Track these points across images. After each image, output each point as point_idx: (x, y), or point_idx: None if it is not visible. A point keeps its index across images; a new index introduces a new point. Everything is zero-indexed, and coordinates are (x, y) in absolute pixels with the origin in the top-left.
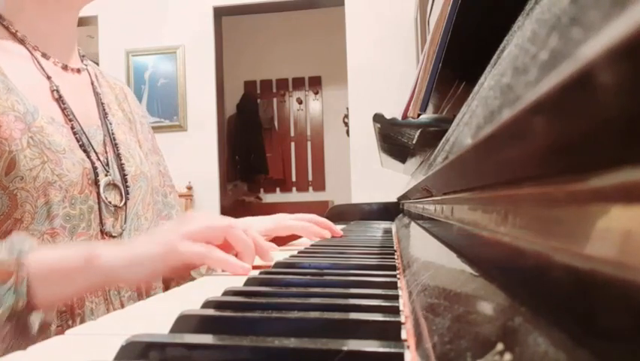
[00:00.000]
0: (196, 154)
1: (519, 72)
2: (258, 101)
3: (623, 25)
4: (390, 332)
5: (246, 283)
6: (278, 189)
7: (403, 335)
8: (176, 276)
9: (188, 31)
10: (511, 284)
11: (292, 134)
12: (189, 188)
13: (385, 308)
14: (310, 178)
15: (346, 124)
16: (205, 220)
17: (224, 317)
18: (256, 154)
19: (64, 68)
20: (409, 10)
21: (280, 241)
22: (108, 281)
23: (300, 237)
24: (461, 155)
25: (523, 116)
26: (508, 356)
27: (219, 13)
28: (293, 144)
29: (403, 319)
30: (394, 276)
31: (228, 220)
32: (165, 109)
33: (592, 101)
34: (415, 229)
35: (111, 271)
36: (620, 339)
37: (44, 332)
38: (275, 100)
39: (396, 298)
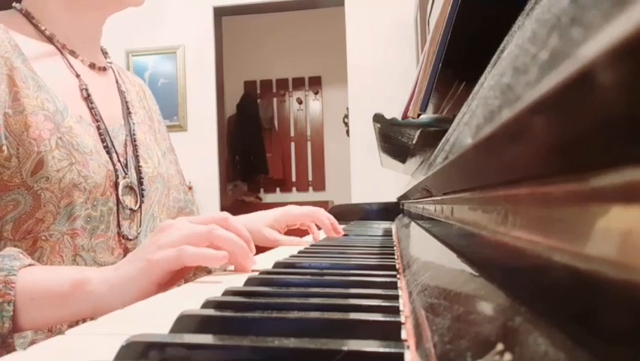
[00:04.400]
0: (196, 154)
1: (519, 72)
2: (258, 101)
3: (623, 25)
4: (390, 332)
5: (246, 283)
6: (278, 189)
7: (403, 335)
8: (170, 286)
9: (188, 31)
10: (511, 284)
11: (292, 134)
12: (189, 188)
13: (385, 308)
14: (310, 178)
15: (346, 124)
16: (183, 229)
17: (224, 317)
18: (256, 154)
19: (92, 66)
20: (409, 10)
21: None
22: (96, 309)
23: (305, 233)
24: (461, 155)
25: (523, 116)
26: (508, 356)
27: (219, 13)
28: (293, 144)
29: (403, 319)
30: (394, 276)
31: (209, 225)
32: (165, 109)
33: (592, 101)
34: (415, 229)
35: (98, 299)
36: (620, 339)
37: None
38: (275, 100)
39: (396, 298)
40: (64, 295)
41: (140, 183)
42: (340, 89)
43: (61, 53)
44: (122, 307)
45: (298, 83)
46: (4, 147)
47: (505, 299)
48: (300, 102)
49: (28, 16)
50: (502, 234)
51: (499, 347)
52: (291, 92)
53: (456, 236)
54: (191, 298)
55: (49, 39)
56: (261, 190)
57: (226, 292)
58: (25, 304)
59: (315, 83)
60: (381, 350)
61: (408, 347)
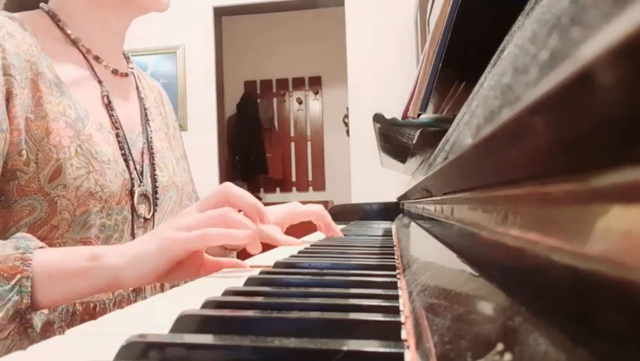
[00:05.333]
0: (196, 154)
1: (519, 72)
2: (258, 101)
3: (623, 25)
4: (390, 332)
5: (246, 283)
6: (278, 189)
7: (403, 335)
8: (189, 269)
9: (188, 31)
10: (511, 284)
11: (292, 134)
12: None
13: (385, 308)
14: (310, 178)
15: (346, 124)
16: (201, 213)
17: (225, 317)
18: (256, 154)
19: (114, 72)
20: (409, 10)
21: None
22: (112, 283)
23: (309, 233)
24: (461, 155)
25: (523, 116)
26: (508, 356)
27: (219, 13)
28: (293, 144)
29: (403, 319)
30: (394, 276)
31: (224, 209)
32: None
33: (592, 101)
34: (415, 229)
35: (114, 272)
36: (620, 339)
37: (48, 332)
38: (275, 100)
39: (396, 298)
40: (81, 270)
41: (155, 192)
42: (340, 89)
43: (86, 57)
44: (136, 282)
45: (298, 83)
46: (24, 152)
47: (505, 299)
48: (300, 102)
49: (54, 18)
50: (502, 234)
51: (499, 347)
52: (291, 92)
53: (456, 236)
54: (192, 298)
55: (74, 43)
56: (261, 190)
57: (226, 292)
58: (42, 280)
59: (315, 83)
60: (381, 350)
61: (408, 347)
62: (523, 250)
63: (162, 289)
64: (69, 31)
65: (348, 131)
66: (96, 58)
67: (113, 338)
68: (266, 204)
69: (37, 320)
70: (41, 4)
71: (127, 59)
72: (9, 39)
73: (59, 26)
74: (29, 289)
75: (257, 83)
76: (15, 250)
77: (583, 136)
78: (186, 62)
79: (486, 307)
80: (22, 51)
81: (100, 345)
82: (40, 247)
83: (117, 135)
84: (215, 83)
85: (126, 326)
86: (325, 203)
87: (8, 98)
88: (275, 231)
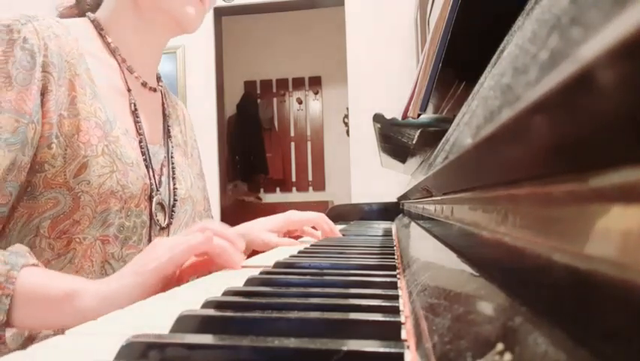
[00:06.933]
0: None
1: (519, 72)
2: (258, 101)
3: (622, 25)
4: (390, 332)
5: (246, 283)
6: (278, 189)
7: (403, 335)
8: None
9: None
10: (511, 284)
11: (292, 134)
12: None
13: (385, 308)
14: (310, 178)
15: (346, 124)
16: (169, 245)
17: (224, 317)
18: (256, 154)
19: (144, 84)
20: (409, 10)
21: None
22: (82, 322)
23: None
24: (461, 155)
25: (523, 116)
26: (508, 356)
27: (219, 13)
28: (293, 144)
29: (403, 319)
30: (394, 276)
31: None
32: None
33: (592, 101)
34: (415, 229)
35: (83, 314)
36: (620, 339)
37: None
38: (275, 100)
39: (396, 298)
40: (56, 305)
41: (174, 203)
42: (340, 89)
43: (120, 66)
44: None
45: (298, 83)
46: (53, 145)
47: (505, 299)
48: (300, 102)
49: (97, 27)
50: (502, 234)
51: (499, 347)
52: (291, 92)
53: (456, 236)
54: (192, 298)
55: (112, 52)
56: (261, 190)
57: (226, 292)
58: (20, 301)
59: (315, 83)
60: (381, 350)
61: (408, 347)
62: (523, 250)
63: None
64: (109, 40)
65: (348, 131)
66: (129, 68)
67: (113, 338)
68: (266, 204)
69: (9, 332)
70: (88, 13)
71: (158, 79)
72: (54, 39)
73: (101, 34)
74: (7, 307)
75: (257, 83)
76: (3, 265)
77: (583, 136)
78: (186, 62)
79: (486, 308)
80: (64, 52)
81: (100, 345)
82: (33, 264)
83: (140, 142)
84: (215, 83)
85: (126, 326)
86: (325, 203)
87: (44, 92)
88: (270, 236)
